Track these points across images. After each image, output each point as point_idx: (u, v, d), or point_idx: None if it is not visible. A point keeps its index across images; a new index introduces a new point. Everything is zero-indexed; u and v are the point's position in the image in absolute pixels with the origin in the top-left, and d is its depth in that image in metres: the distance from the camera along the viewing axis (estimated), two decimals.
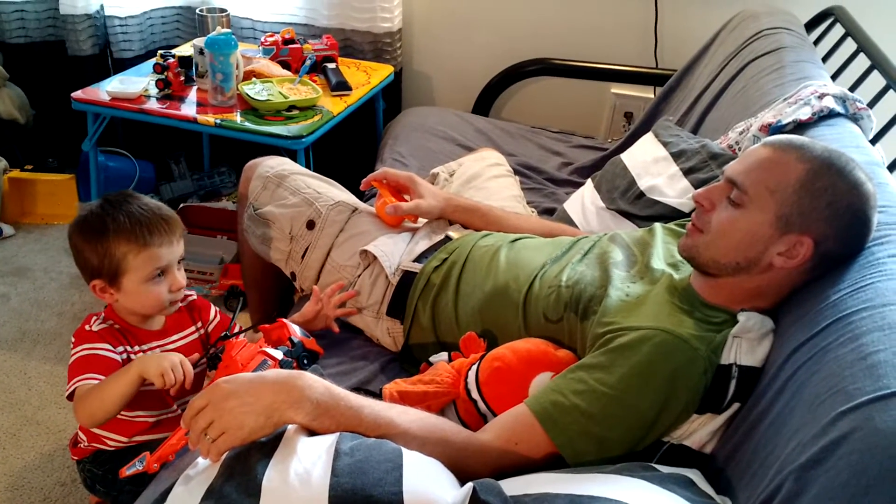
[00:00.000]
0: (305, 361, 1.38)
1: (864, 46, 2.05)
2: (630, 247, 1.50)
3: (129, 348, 1.51)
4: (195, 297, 1.64)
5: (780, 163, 1.19)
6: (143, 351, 1.52)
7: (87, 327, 1.51)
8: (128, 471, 1.20)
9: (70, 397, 1.45)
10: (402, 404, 1.22)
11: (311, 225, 1.72)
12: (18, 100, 3.06)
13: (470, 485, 0.94)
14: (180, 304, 1.57)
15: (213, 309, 1.66)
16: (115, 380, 1.41)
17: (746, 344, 1.18)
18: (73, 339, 1.50)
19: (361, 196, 1.94)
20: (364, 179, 1.81)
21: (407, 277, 1.61)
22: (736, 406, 1.17)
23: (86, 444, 1.57)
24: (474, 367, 1.34)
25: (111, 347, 1.47)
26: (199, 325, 1.62)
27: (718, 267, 1.24)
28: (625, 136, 2.54)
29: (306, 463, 0.98)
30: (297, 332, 1.42)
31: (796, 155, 1.19)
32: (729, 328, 1.20)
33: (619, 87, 2.96)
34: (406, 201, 1.75)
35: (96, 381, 1.42)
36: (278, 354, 1.31)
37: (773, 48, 2.12)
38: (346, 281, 1.67)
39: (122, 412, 1.49)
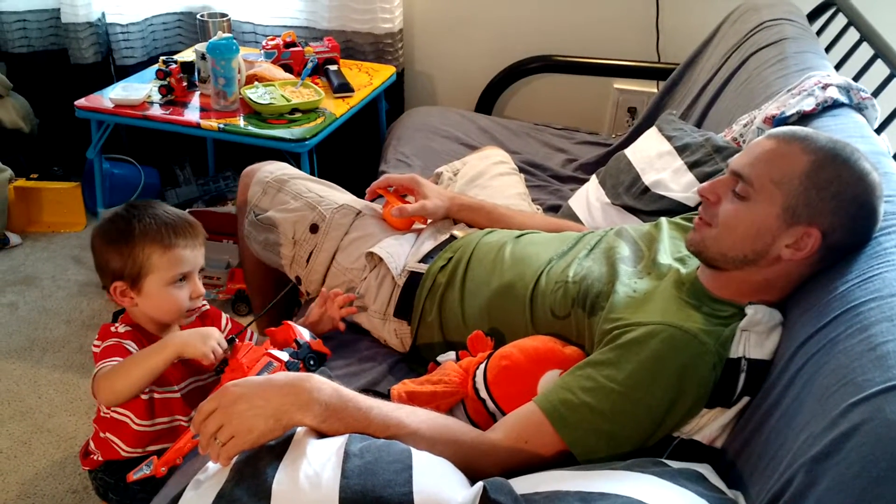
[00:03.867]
0: (312, 362, 1.38)
1: (867, 36, 2.04)
2: (636, 241, 1.50)
3: None
4: (208, 306, 1.64)
5: (785, 154, 1.19)
6: None
7: (112, 329, 1.51)
8: (135, 475, 1.20)
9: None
10: (410, 405, 1.22)
11: (314, 229, 1.72)
12: (22, 109, 3.07)
13: (480, 484, 0.94)
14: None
15: (224, 317, 1.66)
16: (147, 356, 1.40)
17: (755, 337, 1.18)
18: (96, 342, 1.49)
19: (364, 198, 1.93)
20: (368, 189, 1.81)
21: (413, 278, 1.61)
22: (745, 400, 1.16)
23: (98, 456, 1.57)
24: (482, 366, 1.34)
25: (135, 347, 1.47)
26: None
27: (726, 260, 1.24)
28: (629, 131, 2.54)
29: (316, 465, 0.98)
30: (303, 333, 1.42)
31: (801, 146, 1.18)
32: (737, 322, 1.19)
33: (621, 82, 2.96)
34: (410, 203, 1.75)
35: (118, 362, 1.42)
36: (284, 356, 1.31)
37: (776, 39, 2.12)
38: (353, 283, 1.67)
39: (141, 423, 1.49)
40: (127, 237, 1.45)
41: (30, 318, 2.52)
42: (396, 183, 1.78)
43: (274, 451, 1.03)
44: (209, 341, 1.41)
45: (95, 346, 1.49)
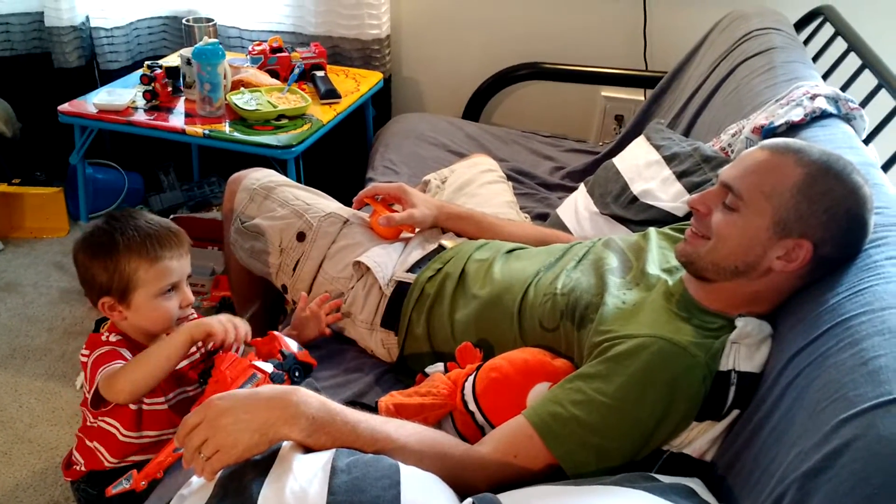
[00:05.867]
0: (297, 374, 1.36)
1: (855, 45, 2.05)
2: (625, 252, 1.49)
3: None
4: (196, 315, 1.62)
5: (777, 167, 1.18)
6: None
7: (102, 338, 1.48)
8: (114, 489, 1.18)
9: (94, 402, 1.42)
10: (398, 417, 1.21)
11: (301, 237, 1.70)
12: (5, 113, 3.03)
13: (469, 500, 0.93)
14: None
15: None
16: (161, 347, 1.40)
17: (745, 350, 1.17)
18: (84, 353, 1.47)
19: (351, 205, 1.92)
20: (355, 199, 1.80)
21: (401, 288, 1.59)
22: (736, 413, 1.16)
23: (81, 466, 1.55)
24: (471, 378, 1.33)
25: (130, 355, 1.45)
26: (200, 344, 1.60)
27: (717, 271, 1.23)
28: (616, 139, 2.54)
29: (302, 481, 0.97)
30: (288, 344, 1.41)
31: (794, 159, 1.18)
32: (727, 334, 1.18)
33: (609, 90, 2.96)
34: (398, 212, 1.73)
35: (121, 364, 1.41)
36: (268, 368, 1.30)
37: (764, 49, 2.12)
38: (339, 293, 1.65)
39: (128, 434, 1.47)
40: (111, 252, 1.42)
41: (11, 325, 2.49)
42: (383, 192, 1.77)
43: (259, 465, 1.01)
44: (220, 319, 1.41)
45: (84, 355, 1.46)
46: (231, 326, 1.42)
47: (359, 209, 1.82)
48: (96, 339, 1.48)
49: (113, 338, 1.48)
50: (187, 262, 1.50)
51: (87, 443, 1.52)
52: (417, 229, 1.76)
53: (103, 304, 1.45)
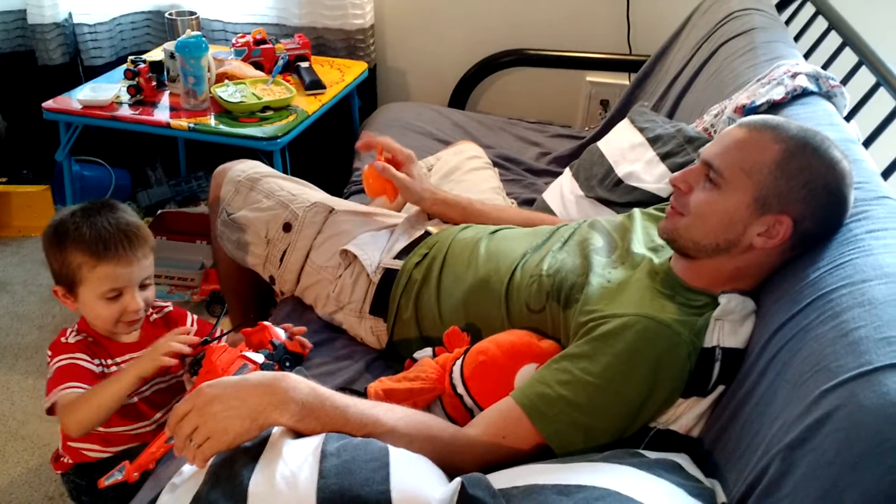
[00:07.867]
0: (288, 364, 1.37)
1: (836, 24, 2.06)
2: (610, 233, 1.50)
3: (104, 361, 1.48)
4: (171, 307, 1.62)
5: (755, 144, 1.19)
6: (118, 364, 1.49)
7: (62, 339, 1.48)
8: (107, 481, 1.19)
9: (50, 410, 1.42)
10: (387, 402, 1.22)
11: (287, 227, 1.70)
12: None
13: (458, 480, 0.94)
14: (156, 316, 1.56)
15: (189, 318, 1.64)
16: (109, 385, 1.38)
17: (729, 326, 1.18)
18: (49, 353, 1.47)
19: (339, 195, 1.92)
20: (364, 141, 1.76)
21: (388, 275, 1.60)
22: (721, 388, 1.17)
23: (68, 459, 1.55)
24: (459, 362, 1.34)
25: (88, 358, 1.45)
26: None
27: (698, 248, 1.24)
28: (601, 123, 2.54)
29: (292, 466, 0.97)
30: (279, 334, 1.41)
31: (771, 135, 1.19)
32: (710, 311, 1.19)
33: (593, 74, 2.96)
34: None
35: (80, 390, 1.40)
36: (259, 358, 1.30)
37: (745, 29, 2.13)
38: (327, 282, 1.66)
39: (104, 428, 1.48)
40: (61, 243, 1.42)
41: (1, 324, 2.48)
42: (394, 149, 1.74)
43: (250, 452, 1.02)
44: (158, 352, 1.38)
45: (48, 356, 1.47)
46: (172, 351, 1.38)
47: (363, 150, 1.78)
48: (57, 342, 1.48)
49: (72, 338, 1.48)
50: (142, 266, 1.46)
51: (69, 442, 1.53)
52: (401, 210, 1.75)
53: (56, 292, 1.47)
